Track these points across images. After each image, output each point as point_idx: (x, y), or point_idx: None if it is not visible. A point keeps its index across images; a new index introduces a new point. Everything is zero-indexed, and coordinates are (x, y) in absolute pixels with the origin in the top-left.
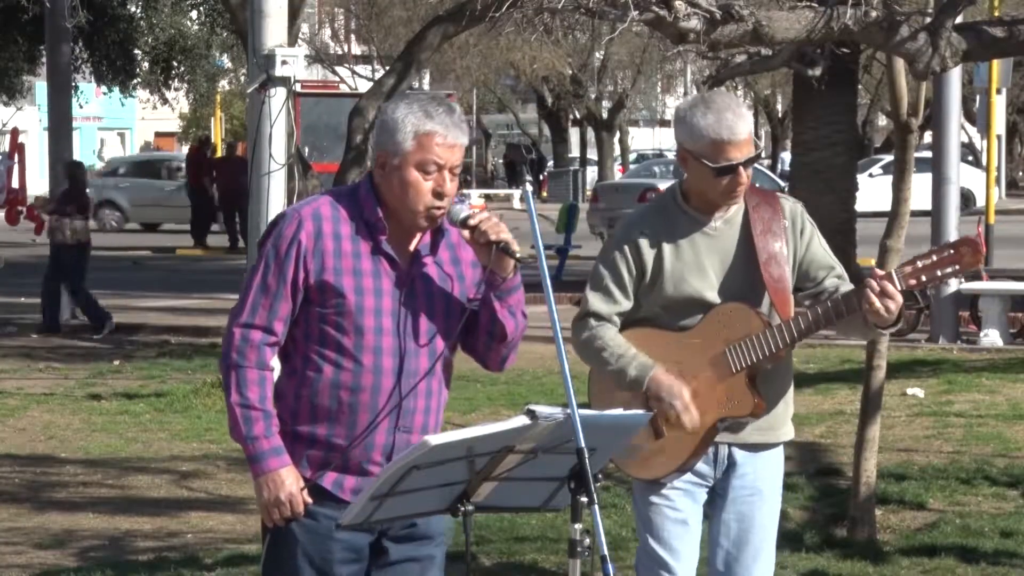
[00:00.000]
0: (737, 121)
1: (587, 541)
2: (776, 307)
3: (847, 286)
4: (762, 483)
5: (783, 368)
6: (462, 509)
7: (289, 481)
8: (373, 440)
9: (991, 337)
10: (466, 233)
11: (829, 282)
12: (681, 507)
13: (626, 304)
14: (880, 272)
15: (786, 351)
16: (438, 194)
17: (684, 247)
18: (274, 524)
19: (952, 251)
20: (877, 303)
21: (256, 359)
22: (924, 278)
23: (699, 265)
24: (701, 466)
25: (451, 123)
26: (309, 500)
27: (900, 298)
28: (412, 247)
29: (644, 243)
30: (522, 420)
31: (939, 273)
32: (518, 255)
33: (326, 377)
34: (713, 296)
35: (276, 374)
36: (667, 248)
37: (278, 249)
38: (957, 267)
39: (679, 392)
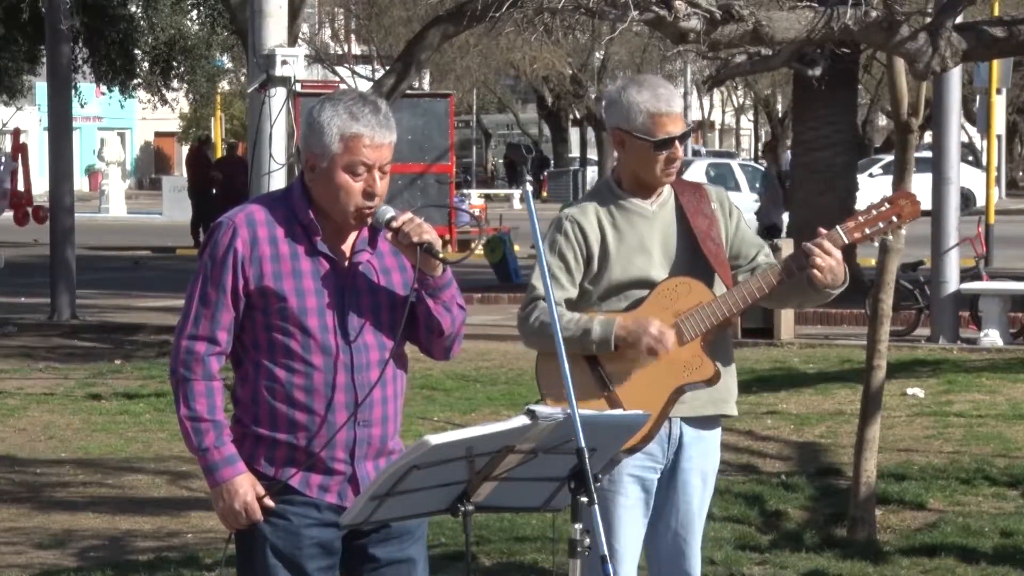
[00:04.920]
0: (671, 95)
1: (587, 541)
2: (723, 280)
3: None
4: (707, 465)
5: (725, 339)
6: (462, 509)
7: (244, 490)
8: (335, 437)
9: (991, 337)
10: (389, 235)
11: (761, 259)
12: (631, 494)
13: (572, 291)
14: (823, 231)
15: (736, 316)
16: (368, 194)
17: (626, 231)
18: (235, 531)
19: (890, 204)
20: (820, 254)
21: (202, 371)
22: (868, 231)
23: (643, 246)
24: (653, 447)
25: (377, 123)
26: (271, 504)
27: (839, 254)
28: (350, 243)
29: (589, 230)
30: (522, 420)
31: (881, 225)
32: (441, 255)
33: (280, 382)
34: (659, 275)
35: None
36: (610, 233)
37: (215, 259)
38: (897, 218)
39: (645, 325)
